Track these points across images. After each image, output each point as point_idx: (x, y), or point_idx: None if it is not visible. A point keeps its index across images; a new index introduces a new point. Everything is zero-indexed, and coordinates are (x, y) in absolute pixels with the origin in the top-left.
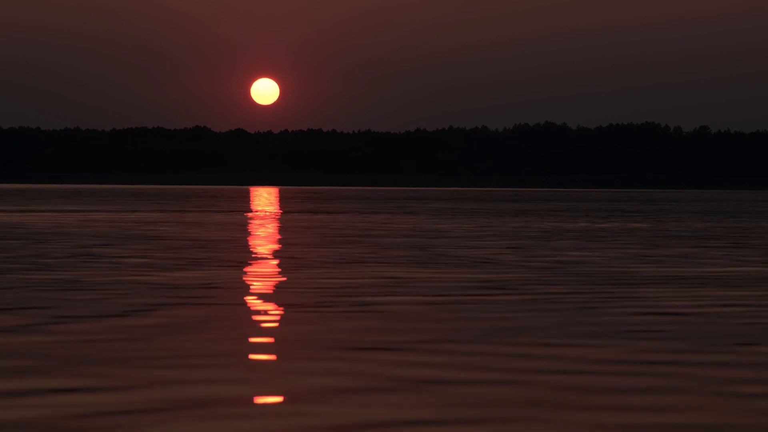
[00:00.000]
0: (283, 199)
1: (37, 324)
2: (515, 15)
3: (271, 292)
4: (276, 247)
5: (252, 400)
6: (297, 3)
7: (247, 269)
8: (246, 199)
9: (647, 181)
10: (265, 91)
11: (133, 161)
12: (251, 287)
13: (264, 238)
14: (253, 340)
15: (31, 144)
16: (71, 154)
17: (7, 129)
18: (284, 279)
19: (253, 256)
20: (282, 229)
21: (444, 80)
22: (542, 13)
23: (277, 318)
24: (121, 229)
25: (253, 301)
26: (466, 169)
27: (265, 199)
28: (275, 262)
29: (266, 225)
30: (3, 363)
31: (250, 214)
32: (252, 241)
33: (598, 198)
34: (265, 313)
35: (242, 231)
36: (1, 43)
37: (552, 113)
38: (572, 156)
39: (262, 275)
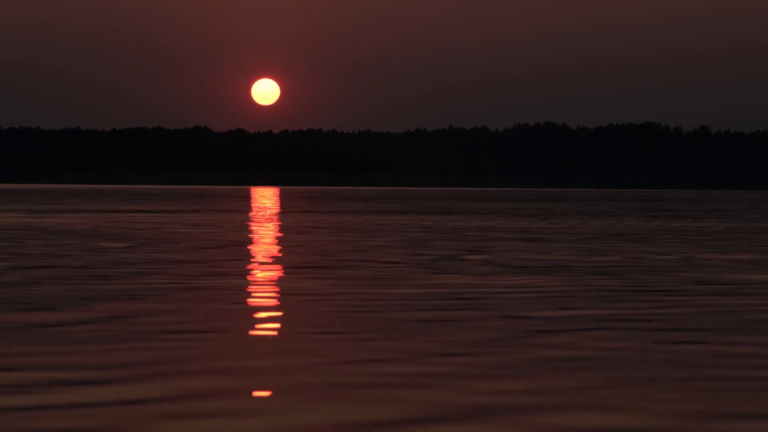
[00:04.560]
0: (296, 200)
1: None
2: (515, 15)
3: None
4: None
5: (250, 398)
6: (297, 3)
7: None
8: (259, 199)
9: (648, 182)
10: (265, 91)
11: (133, 161)
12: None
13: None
14: (256, 337)
15: (31, 144)
16: (71, 154)
17: (7, 129)
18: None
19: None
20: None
21: (444, 80)
22: (542, 13)
23: (284, 315)
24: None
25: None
26: (467, 169)
27: (290, 200)
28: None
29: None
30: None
31: (278, 216)
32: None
33: (627, 198)
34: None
35: (279, 233)
36: (1, 42)
37: (552, 113)
38: (572, 156)
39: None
